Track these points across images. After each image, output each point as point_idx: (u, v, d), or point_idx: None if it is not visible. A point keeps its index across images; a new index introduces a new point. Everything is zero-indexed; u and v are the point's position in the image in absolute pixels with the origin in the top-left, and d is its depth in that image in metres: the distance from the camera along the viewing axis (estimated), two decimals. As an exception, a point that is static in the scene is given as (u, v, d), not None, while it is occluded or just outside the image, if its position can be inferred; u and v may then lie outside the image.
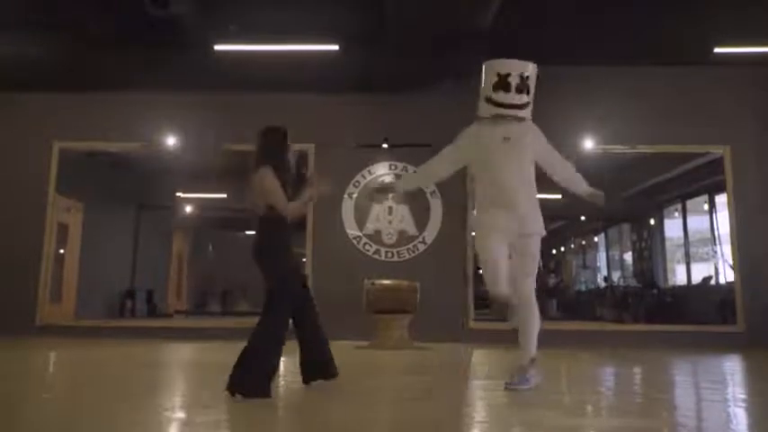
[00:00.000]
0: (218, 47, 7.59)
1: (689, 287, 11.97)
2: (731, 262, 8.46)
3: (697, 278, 11.75)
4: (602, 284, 14.99)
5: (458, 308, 7.93)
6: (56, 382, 4.77)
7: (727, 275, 9.69)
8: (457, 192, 8.13)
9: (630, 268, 14.68)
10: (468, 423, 3.26)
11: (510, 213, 3.89)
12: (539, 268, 4.05)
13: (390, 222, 8.61)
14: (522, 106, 4.01)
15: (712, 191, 10.77)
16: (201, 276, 16.77)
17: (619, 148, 8.75)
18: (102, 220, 11.54)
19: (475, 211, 4.04)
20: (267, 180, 3.77)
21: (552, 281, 14.39)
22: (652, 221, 13.50)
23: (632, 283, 13.72)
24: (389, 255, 8.51)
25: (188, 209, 15.31)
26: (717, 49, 7.73)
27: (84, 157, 9.27)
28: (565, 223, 16.03)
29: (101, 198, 11.20)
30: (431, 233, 8.52)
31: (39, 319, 8.38)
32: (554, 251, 16.68)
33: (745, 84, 8.53)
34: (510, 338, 4.21)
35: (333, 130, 8.47)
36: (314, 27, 7.30)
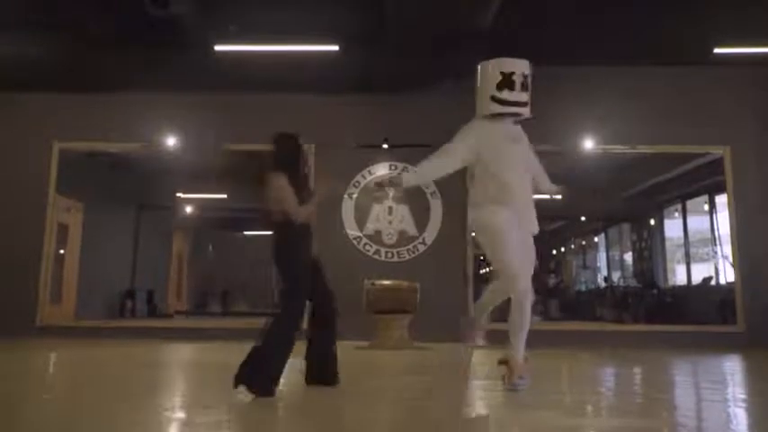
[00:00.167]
0: (218, 47, 7.59)
1: (689, 287, 11.97)
2: (731, 260, 8.45)
3: (697, 278, 11.74)
4: (603, 285, 14.99)
5: (458, 308, 7.92)
6: (56, 382, 4.77)
7: (727, 276, 9.69)
8: (457, 192, 8.10)
9: (630, 268, 14.67)
10: (469, 423, 3.26)
11: (517, 213, 3.91)
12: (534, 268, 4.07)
13: (390, 223, 8.62)
14: (525, 104, 4.07)
15: (712, 191, 10.76)
16: (201, 277, 16.77)
17: (619, 149, 8.76)
18: (103, 220, 11.53)
19: (478, 210, 3.97)
20: (280, 187, 3.87)
21: (552, 281, 14.39)
22: (652, 222, 13.49)
23: (632, 283, 13.71)
24: (389, 255, 8.51)
25: (188, 209, 15.31)
26: (717, 50, 7.73)
27: (85, 158, 9.27)
28: (565, 223, 16.03)
29: (101, 198, 11.19)
30: (431, 233, 8.52)
31: (39, 319, 8.38)
32: (554, 251, 16.68)
33: (745, 84, 8.53)
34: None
35: (333, 131, 8.46)
36: (314, 27, 7.30)
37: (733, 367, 6.09)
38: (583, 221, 15.70)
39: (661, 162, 10.23)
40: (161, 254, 15.28)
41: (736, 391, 4.52)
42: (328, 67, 8.00)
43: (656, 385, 4.82)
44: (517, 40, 7.32)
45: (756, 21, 7.15)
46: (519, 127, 4.17)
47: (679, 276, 12.88)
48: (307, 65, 8.05)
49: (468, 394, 4.21)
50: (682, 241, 12.51)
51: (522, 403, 3.67)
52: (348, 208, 8.59)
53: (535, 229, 4.04)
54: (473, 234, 4.12)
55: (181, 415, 3.24)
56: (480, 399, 3.96)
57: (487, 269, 8.42)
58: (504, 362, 4.00)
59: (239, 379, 3.58)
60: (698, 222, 11.96)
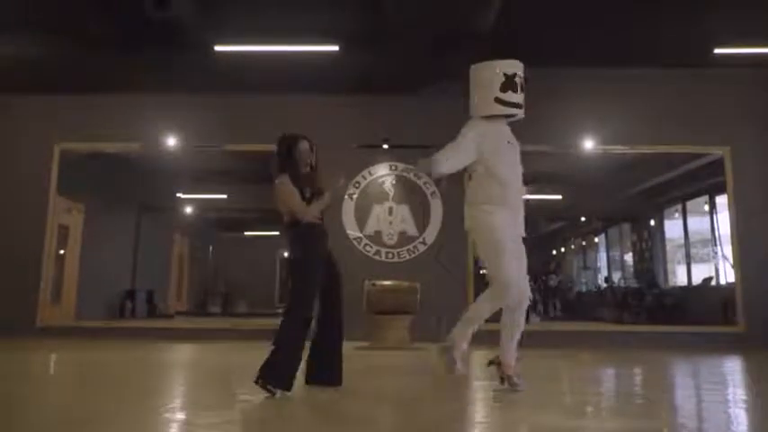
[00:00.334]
0: (218, 48, 7.59)
1: (689, 288, 11.97)
2: (731, 261, 8.45)
3: (697, 279, 11.74)
4: (603, 285, 14.99)
5: (458, 309, 7.91)
6: (56, 383, 4.77)
7: (727, 276, 9.68)
8: (457, 192, 8.11)
9: (631, 269, 14.67)
10: (469, 423, 3.26)
11: (513, 215, 3.93)
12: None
13: (391, 223, 8.62)
14: (522, 106, 4.11)
15: (713, 191, 10.76)
16: (202, 277, 16.79)
17: (619, 149, 8.76)
18: (103, 221, 11.54)
19: (475, 210, 3.96)
20: (282, 190, 3.93)
21: (553, 281, 14.39)
22: (652, 222, 13.49)
23: (633, 283, 13.71)
24: (390, 255, 8.51)
25: (189, 210, 15.32)
26: (717, 50, 7.72)
27: (85, 159, 9.27)
28: (565, 224, 16.03)
29: (101, 199, 11.19)
30: (431, 234, 8.53)
31: (39, 320, 8.38)
32: (554, 252, 16.68)
33: (745, 85, 8.53)
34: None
35: (333, 131, 8.45)
36: (314, 27, 7.30)
37: (733, 368, 6.09)
38: (583, 222, 15.71)
39: (661, 162, 10.23)
40: (161, 254, 15.29)
41: (737, 391, 4.52)
42: (328, 67, 8.00)
43: (656, 386, 4.82)
44: (517, 41, 7.32)
45: (756, 21, 7.15)
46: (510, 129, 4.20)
47: (679, 277, 12.88)
48: (307, 65, 8.04)
49: (468, 394, 4.21)
50: (682, 242, 12.51)
51: (522, 404, 3.67)
52: (348, 209, 8.60)
53: (523, 231, 4.08)
54: (478, 233, 3.98)
55: (181, 416, 3.24)
56: (480, 399, 3.96)
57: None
58: (496, 363, 4.00)
59: (259, 377, 3.66)
60: (698, 223, 11.96)
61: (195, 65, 7.95)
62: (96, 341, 7.89)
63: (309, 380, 3.99)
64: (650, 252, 13.50)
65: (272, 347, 3.72)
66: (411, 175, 8.71)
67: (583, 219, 15.50)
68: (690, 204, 12.08)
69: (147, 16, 6.46)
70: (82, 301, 10.58)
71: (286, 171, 3.97)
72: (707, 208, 11.24)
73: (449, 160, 3.94)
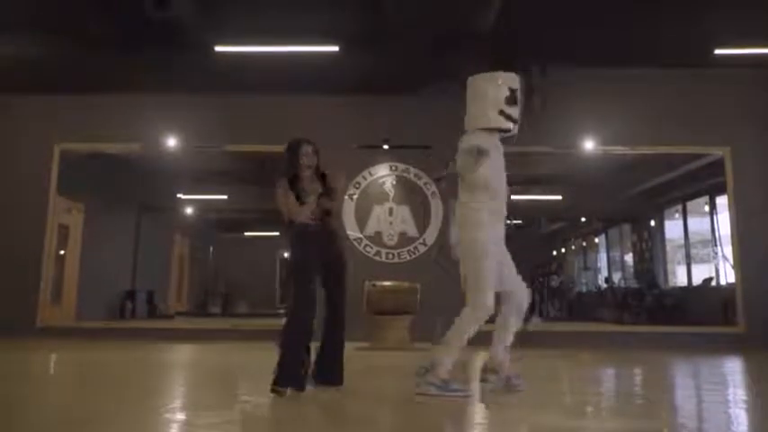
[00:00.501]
0: (218, 48, 7.58)
1: (689, 288, 11.97)
2: (732, 261, 8.45)
3: (697, 279, 11.74)
4: (603, 285, 15.00)
5: (458, 310, 7.91)
6: (56, 383, 4.76)
7: (727, 277, 9.68)
8: (456, 193, 8.12)
9: (631, 269, 14.68)
10: (469, 423, 3.26)
11: (498, 219, 3.93)
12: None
13: (391, 224, 8.62)
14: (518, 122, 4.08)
15: (713, 192, 10.77)
16: (202, 278, 16.80)
17: (619, 150, 8.75)
18: (103, 221, 11.55)
19: (465, 208, 3.91)
20: (279, 193, 4.03)
21: (555, 282, 14.40)
22: (653, 223, 13.50)
23: (633, 284, 13.71)
24: (390, 256, 8.51)
25: (189, 210, 15.33)
26: (717, 51, 7.72)
27: (85, 159, 9.27)
28: (565, 224, 16.05)
29: (102, 199, 11.20)
30: (431, 235, 8.52)
31: (39, 320, 8.37)
32: (554, 252, 16.69)
33: (745, 85, 8.52)
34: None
35: (333, 132, 8.44)
36: (314, 28, 7.29)
37: (733, 368, 6.08)
38: (583, 222, 15.72)
39: (661, 163, 10.24)
40: (162, 255, 15.30)
41: (737, 392, 4.52)
42: (328, 67, 8.00)
43: (656, 386, 4.82)
44: (517, 41, 7.35)
45: (757, 22, 7.15)
46: None
47: (679, 277, 12.88)
48: (307, 65, 8.04)
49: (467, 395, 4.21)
50: (682, 242, 12.51)
51: (522, 404, 3.67)
52: (349, 209, 8.60)
53: (504, 235, 4.06)
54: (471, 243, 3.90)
55: (181, 416, 3.24)
56: (480, 399, 3.95)
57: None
58: (491, 370, 3.99)
59: (272, 383, 3.71)
60: (698, 223, 11.96)
61: (195, 65, 7.95)
62: (96, 341, 7.89)
63: (315, 380, 4.02)
64: (650, 252, 13.50)
65: (279, 350, 3.78)
66: (411, 176, 8.71)
67: (583, 219, 15.51)
68: (690, 205, 12.09)
69: (147, 16, 6.45)
70: (82, 301, 10.59)
71: (285, 175, 4.05)
72: (707, 208, 11.24)
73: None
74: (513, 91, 3.97)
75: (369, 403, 3.77)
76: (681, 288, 12.46)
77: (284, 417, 3.34)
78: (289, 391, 3.69)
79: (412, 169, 8.70)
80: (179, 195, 14.39)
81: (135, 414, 3.24)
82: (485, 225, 3.84)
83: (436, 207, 8.58)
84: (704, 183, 10.51)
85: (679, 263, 12.93)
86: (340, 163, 8.32)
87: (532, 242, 15.53)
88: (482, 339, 3.91)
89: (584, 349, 7.51)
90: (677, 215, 12.59)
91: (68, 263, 10.38)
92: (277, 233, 13.15)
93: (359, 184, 8.69)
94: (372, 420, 3.27)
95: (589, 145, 8.56)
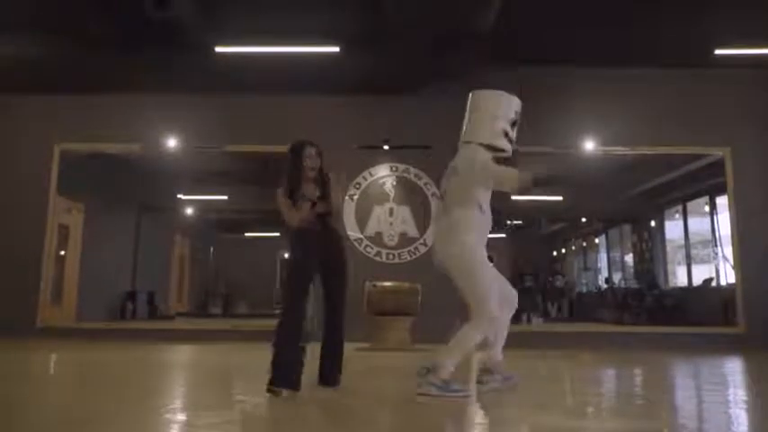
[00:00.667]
0: (218, 48, 7.59)
1: (690, 289, 11.97)
2: (732, 261, 8.45)
3: (698, 280, 11.74)
4: (603, 286, 14.99)
5: (459, 310, 7.91)
6: (56, 383, 4.76)
7: (727, 277, 9.68)
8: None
9: (631, 270, 14.67)
10: (469, 423, 3.26)
11: (485, 232, 3.93)
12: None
13: (391, 224, 8.62)
14: None
15: (713, 192, 10.76)
16: (203, 278, 16.80)
17: (619, 150, 8.75)
18: (104, 221, 11.54)
19: (468, 236, 3.89)
20: (277, 199, 4.09)
21: (560, 282, 14.41)
22: (653, 223, 13.50)
23: (633, 284, 13.71)
24: (390, 257, 8.51)
25: (189, 210, 15.33)
26: (717, 51, 7.72)
27: (86, 159, 9.27)
28: (566, 225, 16.05)
29: (102, 199, 11.20)
30: (432, 235, 8.52)
31: (39, 320, 8.37)
32: (555, 253, 16.70)
33: (745, 85, 8.52)
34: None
35: (334, 132, 8.44)
36: (315, 29, 7.30)
37: (733, 368, 6.08)
38: (583, 223, 15.72)
39: (662, 163, 10.24)
40: (162, 255, 15.30)
41: (737, 392, 4.51)
42: (329, 68, 8.01)
43: (656, 386, 4.81)
44: (517, 41, 7.35)
45: (756, 22, 7.15)
46: None
47: (680, 278, 12.88)
48: (307, 66, 8.05)
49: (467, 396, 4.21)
50: (682, 242, 12.51)
51: (522, 404, 3.67)
52: (349, 210, 8.59)
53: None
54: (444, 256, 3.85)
55: (181, 416, 3.24)
56: (480, 399, 3.95)
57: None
58: (487, 371, 4.00)
59: (267, 383, 3.75)
60: (698, 224, 11.96)
61: (195, 65, 7.96)
62: (96, 342, 7.89)
63: (319, 381, 4.06)
64: (651, 253, 13.50)
65: (273, 350, 3.79)
66: (412, 176, 8.71)
67: (583, 220, 15.51)
68: (690, 205, 12.09)
69: (147, 16, 6.45)
70: (82, 301, 10.58)
71: (285, 180, 4.10)
72: (707, 209, 11.24)
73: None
74: (517, 114, 3.98)
75: (369, 403, 3.77)
76: (681, 288, 12.46)
77: (284, 417, 3.34)
78: (285, 392, 3.68)
79: (412, 169, 8.69)
80: (179, 196, 14.39)
81: (135, 414, 3.24)
82: (475, 231, 3.82)
83: (437, 207, 8.58)
84: (704, 183, 10.51)
85: (679, 263, 12.93)
86: (340, 163, 8.35)
87: (533, 242, 15.54)
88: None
89: (584, 350, 7.51)
90: (677, 215, 12.59)
91: (69, 263, 10.38)
92: (277, 234, 13.14)
93: (359, 184, 8.69)
94: (372, 420, 3.26)
95: (589, 145, 8.56)
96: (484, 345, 3.95)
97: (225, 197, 14.36)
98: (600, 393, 4.39)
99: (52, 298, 9.18)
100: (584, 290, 15.76)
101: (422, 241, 8.51)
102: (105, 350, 6.99)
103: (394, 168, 8.73)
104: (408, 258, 8.48)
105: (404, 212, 8.64)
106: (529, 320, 11.02)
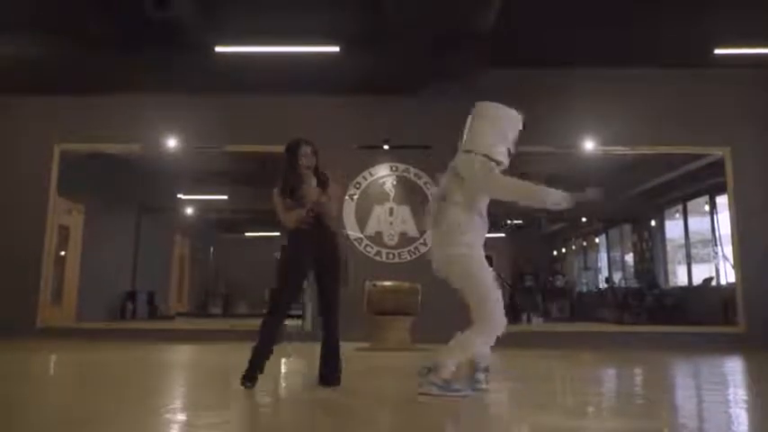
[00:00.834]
0: (218, 48, 7.58)
1: (690, 288, 11.97)
2: (732, 261, 8.45)
3: (698, 279, 11.74)
4: (604, 285, 15.00)
5: (459, 311, 7.90)
6: (56, 383, 4.76)
7: (728, 276, 9.68)
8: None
9: (631, 269, 14.67)
10: (469, 423, 3.26)
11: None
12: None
13: (391, 224, 8.62)
14: None
15: (713, 192, 10.76)
16: (203, 278, 16.81)
17: (620, 150, 8.76)
18: (104, 221, 11.55)
19: (467, 236, 3.87)
20: (273, 198, 4.16)
21: (560, 282, 14.42)
22: (653, 222, 13.50)
23: (633, 284, 13.71)
24: (391, 256, 8.51)
25: (189, 211, 15.33)
26: (717, 51, 7.72)
27: (86, 159, 9.27)
28: (566, 224, 16.04)
29: (102, 200, 11.21)
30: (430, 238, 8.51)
31: (39, 321, 8.37)
32: (555, 252, 16.70)
33: (745, 85, 8.53)
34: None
35: (334, 132, 8.45)
36: (315, 29, 7.30)
37: (734, 368, 6.08)
38: (584, 222, 15.71)
39: (662, 163, 10.24)
40: (162, 255, 15.30)
41: (737, 392, 4.51)
42: (329, 68, 8.01)
43: (656, 386, 4.81)
44: (517, 41, 7.35)
45: (756, 21, 7.15)
46: None
47: (680, 277, 12.87)
48: (307, 66, 8.05)
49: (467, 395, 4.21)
50: (683, 242, 12.51)
51: (522, 404, 3.67)
52: (349, 209, 8.60)
53: None
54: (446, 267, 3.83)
55: (181, 416, 3.24)
56: (480, 400, 3.95)
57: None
58: (485, 369, 3.99)
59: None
60: (699, 223, 11.96)
61: (195, 65, 7.96)
62: (97, 342, 7.88)
63: (319, 381, 4.08)
64: (651, 252, 13.50)
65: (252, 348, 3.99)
66: (411, 176, 8.71)
67: (584, 219, 15.50)
68: (690, 205, 12.09)
69: (147, 16, 6.45)
70: (82, 302, 10.59)
71: (285, 175, 4.15)
72: (707, 208, 11.24)
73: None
74: (520, 132, 3.98)
75: (369, 403, 3.77)
76: (681, 288, 12.46)
77: (283, 417, 3.34)
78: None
79: (412, 169, 8.70)
80: (179, 196, 14.39)
81: (135, 414, 3.24)
82: (473, 232, 3.80)
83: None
84: (704, 183, 10.51)
85: (679, 263, 12.93)
86: (340, 163, 8.39)
87: (533, 242, 15.55)
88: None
89: (584, 349, 7.51)
90: (677, 215, 12.59)
91: (69, 264, 10.38)
92: (278, 233, 13.14)
93: (359, 184, 8.69)
94: (372, 420, 3.26)
95: (589, 145, 8.56)
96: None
97: (225, 197, 14.36)
98: (600, 393, 4.39)
99: (52, 298, 9.18)
100: (585, 289, 15.76)
101: (422, 241, 8.50)
102: (105, 350, 6.99)
103: (394, 168, 8.74)
104: (408, 258, 8.48)
105: (404, 212, 8.64)
106: (529, 320, 11.04)
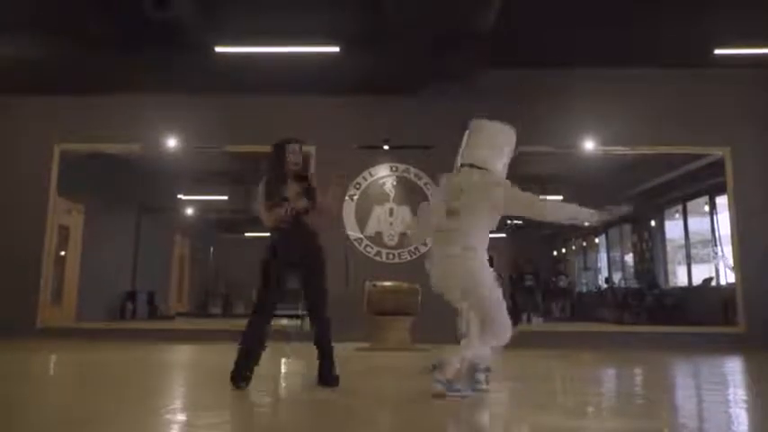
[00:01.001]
0: (218, 48, 7.58)
1: (690, 288, 11.97)
2: (731, 263, 8.45)
3: (698, 279, 11.74)
4: (604, 285, 14.99)
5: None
6: (56, 383, 4.76)
7: (727, 277, 9.68)
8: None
9: (631, 269, 14.68)
10: (469, 424, 3.26)
11: None
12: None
13: (391, 224, 8.62)
14: None
15: (713, 192, 10.77)
16: (203, 278, 16.80)
17: (619, 150, 8.75)
18: (104, 221, 11.55)
19: (482, 251, 3.84)
20: (256, 196, 4.21)
21: (563, 282, 14.42)
22: (653, 223, 13.50)
23: (633, 284, 13.72)
24: (391, 256, 8.51)
25: (189, 211, 15.33)
26: (717, 51, 7.72)
27: (86, 159, 9.27)
28: (566, 224, 16.03)
29: (102, 200, 11.20)
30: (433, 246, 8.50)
31: (39, 321, 8.37)
32: (555, 252, 16.70)
33: (745, 85, 8.52)
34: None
35: (334, 132, 8.47)
36: (315, 29, 7.29)
37: (733, 368, 6.08)
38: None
39: (661, 163, 10.23)
40: (162, 255, 15.30)
41: (737, 392, 4.52)
42: (329, 68, 8.00)
43: (657, 386, 4.82)
44: (517, 41, 7.35)
45: (756, 21, 7.15)
46: None
47: (680, 277, 12.88)
48: (307, 66, 8.04)
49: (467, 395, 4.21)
50: (682, 242, 12.51)
51: (522, 404, 3.67)
52: (349, 209, 8.59)
53: None
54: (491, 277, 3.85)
55: (181, 416, 3.24)
56: (480, 400, 3.95)
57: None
58: (485, 369, 4.00)
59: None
60: (698, 223, 11.96)
61: (195, 65, 7.95)
62: (96, 342, 7.88)
63: (318, 381, 4.11)
64: (651, 253, 13.50)
65: (238, 349, 4.07)
66: (412, 176, 8.70)
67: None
68: (690, 205, 12.09)
69: (147, 16, 6.45)
70: (82, 302, 10.59)
71: (271, 173, 4.19)
72: (707, 208, 11.24)
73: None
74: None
75: (369, 403, 3.77)
76: (681, 288, 12.46)
77: (283, 417, 3.34)
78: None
79: (412, 169, 8.69)
80: (179, 196, 14.39)
81: (135, 414, 3.24)
82: (484, 245, 3.84)
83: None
84: (704, 183, 10.51)
85: (679, 263, 12.93)
86: (340, 163, 8.38)
87: (533, 242, 15.54)
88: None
89: (584, 349, 7.51)
90: (677, 215, 12.59)
91: (69, 264, 10.38)
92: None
93: (359, 184, 8.68)
94: (372, 420, 3.26)
95: (589, 145, 8.56)
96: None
97: (225, 197, 14.36)
98: (600, 393, 4.39)
99: (52, 298, 9.18)
100: (585, 290, 15.76)
101: (422, 241, 8.49)
102: (105, 350, 6.99)
103: (394, 168, 8.73)
104: (408, 258, 8.47)
105: (404, 212, 8.63)
106: (529, 320, 11.03)
